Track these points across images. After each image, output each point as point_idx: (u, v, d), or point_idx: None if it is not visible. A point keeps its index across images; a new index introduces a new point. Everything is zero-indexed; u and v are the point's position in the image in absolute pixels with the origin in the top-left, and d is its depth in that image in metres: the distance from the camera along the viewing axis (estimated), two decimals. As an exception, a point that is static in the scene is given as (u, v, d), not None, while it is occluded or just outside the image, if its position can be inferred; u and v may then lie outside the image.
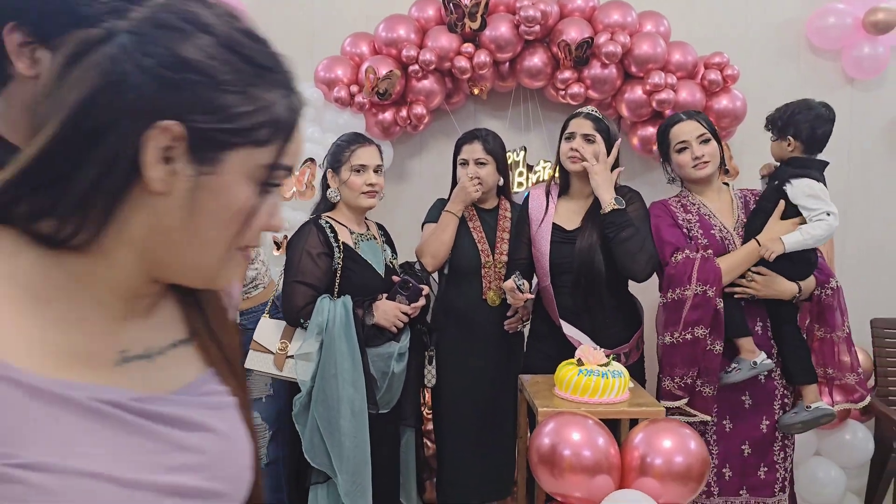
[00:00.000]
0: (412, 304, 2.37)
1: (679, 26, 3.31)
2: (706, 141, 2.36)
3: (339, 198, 2.44)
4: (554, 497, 1.88)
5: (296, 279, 2.34)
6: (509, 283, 2.32)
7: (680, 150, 2.38)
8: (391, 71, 3.07)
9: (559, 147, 2.50)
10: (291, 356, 2.36)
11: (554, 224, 2.48)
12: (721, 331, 2.24)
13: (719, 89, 3.17)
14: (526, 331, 2.70)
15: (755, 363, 2.23)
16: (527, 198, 2.59)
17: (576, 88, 3.17)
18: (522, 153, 3.36)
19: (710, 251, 2.27)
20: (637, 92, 3.15)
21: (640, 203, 2.45)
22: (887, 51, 3.35)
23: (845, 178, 3.42)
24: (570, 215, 2.49)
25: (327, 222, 2.41)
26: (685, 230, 2.36)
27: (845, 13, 3.33)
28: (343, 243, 2.39)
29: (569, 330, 2.37)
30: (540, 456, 1.82)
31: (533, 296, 2.45)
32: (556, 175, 2.59)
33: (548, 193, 2.56)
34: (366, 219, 2.57)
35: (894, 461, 2.82)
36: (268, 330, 2.40)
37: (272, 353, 2.38)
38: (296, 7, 3.43)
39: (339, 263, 2.36)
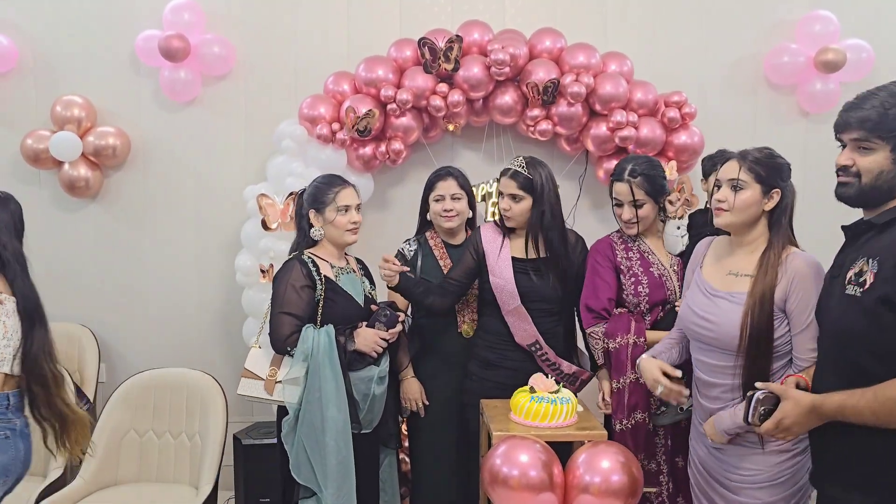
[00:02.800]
0: (390, 331, 2.58)
1: (642, 64, 3.52)
2: (639, 205, 2.54)
3: (322, 236, 2.65)
4: (505, 513, 2.08)
5: (282, 310, 2.53)
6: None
7: (616, 205, 2.61)
8: (370, 110, 3.28)
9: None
10: (280, 381, 2.56)
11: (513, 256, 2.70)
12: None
13: (678, 126, 3.38)
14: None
15: (681, 409, 2.44)
16: (478, 230, 2.80)
17: (544, 125, 3.38)
18: (496, 184, 3.55)
19: (636, 335, 2.51)
20: (602, 128, 3.36)
21: (584, 255, 2.72)
22: (838, 87, 3.56)
23: (800, 207, 3.61)
24: (518, 249, 2.72)
25: (310, 258, 2.61)
26: (626, 268, 2.58)
27: (798, 52, 3.54)
28: (325, 276, 2.59)
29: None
30: (492, 476, 2.02)
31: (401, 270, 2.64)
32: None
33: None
34: (346, 254, 2.77)
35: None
36: (257, 359, 2.61)
37: (262, 379, 2.58)
38: (281, 45, 3.64)
39: (321, 295, 2.56)
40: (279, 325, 2.52)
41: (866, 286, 1.64)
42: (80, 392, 3.37)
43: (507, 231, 2.75)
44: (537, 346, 2.64)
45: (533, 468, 1.98)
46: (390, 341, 2.60)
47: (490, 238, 2.74)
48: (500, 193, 2.70)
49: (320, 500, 2.49)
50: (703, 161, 2.96)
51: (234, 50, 3.59)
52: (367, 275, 2.82)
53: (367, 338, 2.54)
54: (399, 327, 2.62)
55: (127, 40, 3.58)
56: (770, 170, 2.09)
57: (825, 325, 1.83)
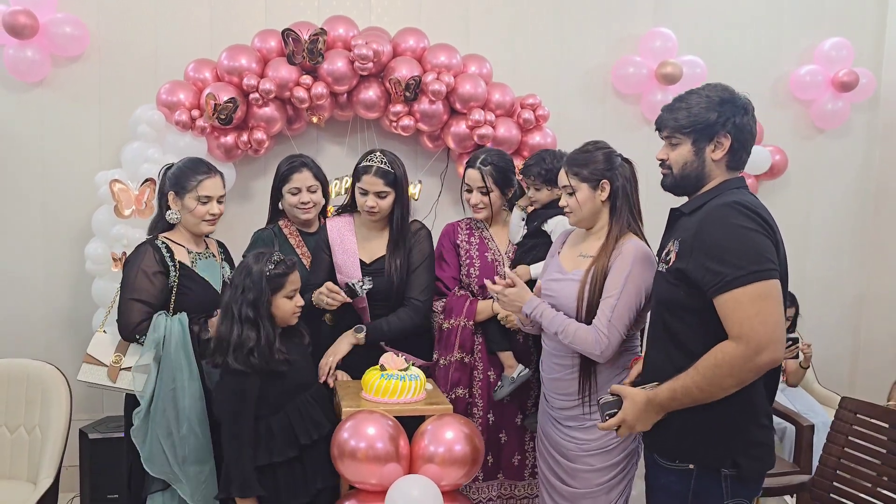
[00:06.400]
0: None
1: (501, 68, 3.70)
2: (485, 192, 2.70)
3: (179, 220, 2.58)
4: (354, 485, 2.13)
5: (132, 297, 2.45)
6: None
7: (467, 190, 2.76)
8: (231, 98, 3.25)
9: (353, 184, 2.72)
10: (126, 368, 2.48)
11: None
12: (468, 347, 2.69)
13: (533, 127, 3.57)
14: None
15: (514, 378, 2.63)
16: (323, 227, 2.83)
17: (406, 121, 3.48)
18: (360, 178, 3.61)
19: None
20: (461, 126, 3.50)
21: (426, 242, 2.78)
22: (676, 99, 3.89)
23: (644, 208, 3.91)
24: (367, 246, 2.77)
25: (164, 242, 2.53)
26: (464, 250, 2.75)
27: (641, 65, 3.84)
28: (179, 262, 2.52)
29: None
30: (340, 450, 2.07)
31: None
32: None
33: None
34: (206, 237, 2.70)
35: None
36: (102, 343, 2.52)
37: (105, 365, 2.49)
38: (140, 30, 3.54)
39: (175, 282, 2.50)
40: (128, 312, 2.45)
41: (670, 263, 1.87)
42: None
43: (355, 224, 2.78)
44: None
45: (380, 440, 2.05)
46: None
47: (337, 236, 2.76)
48: (362, 191, 2.66)
49: (175, 492, 2.43)
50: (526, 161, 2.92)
51: (87, 31, 3.46)
52: (228, 259, 2.77)
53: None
54: None
55: (-33, 14, 3.37)
56: (589, 166, 2.26)
57: (653, 299, 2.05)
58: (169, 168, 2.63)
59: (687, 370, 1.77)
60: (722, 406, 1.78)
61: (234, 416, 2.24)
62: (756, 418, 1.83)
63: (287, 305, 2.34)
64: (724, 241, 1.73)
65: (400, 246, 2.70)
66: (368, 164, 2.65)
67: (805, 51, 4.10)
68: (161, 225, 2.62)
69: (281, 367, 2.28)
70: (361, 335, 2.62)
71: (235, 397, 2.25)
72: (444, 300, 2.72)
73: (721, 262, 1.72)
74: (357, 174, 2.69)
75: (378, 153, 2.69)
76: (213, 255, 2.68)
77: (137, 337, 2.46)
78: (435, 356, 2.73)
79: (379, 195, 2.65)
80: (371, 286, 2.59)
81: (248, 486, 2.22)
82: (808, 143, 4.17)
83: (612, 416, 1.86)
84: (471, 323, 2.66)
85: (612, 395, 1.88)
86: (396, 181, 2.66)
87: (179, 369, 2.41)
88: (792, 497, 2.98)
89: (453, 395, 2.65)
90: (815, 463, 3.05)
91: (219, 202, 2.58)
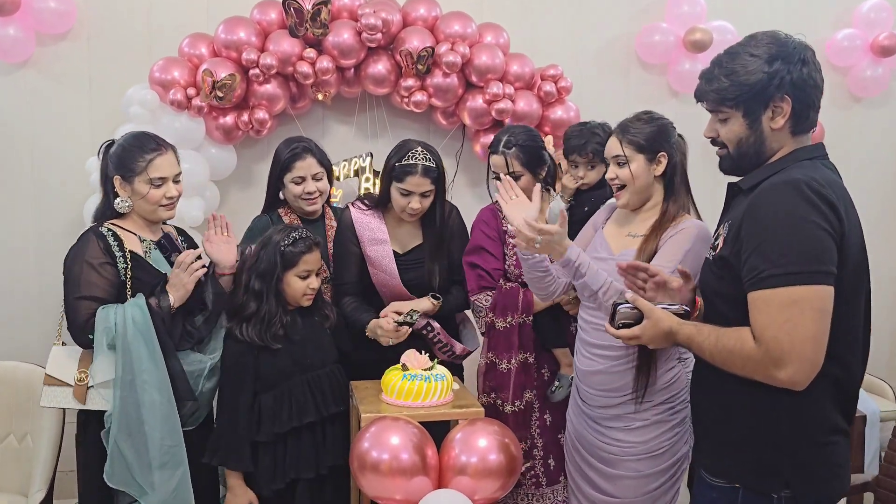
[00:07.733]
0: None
1: (518, 39, 3.45)
2: (516, 177, 2.41)
3: (129, 209, 2.23)
4: (377, 501, 1.92)
5: (77, 295, 2.12)
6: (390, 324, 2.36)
7: (495, 178, 2.47)
8: (230, 74, 3.01)
9: (388, 182, 2.48)
10: (93, 387, 2.13)
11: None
12: (530, 345, 2.44)
13: (554, 100, 3.33)
14: None
15: (572, 378, 2.37)
16: (347, 216, 2.58)
17: (419, 96, 3.24)
18: (369, 159, 3.37)
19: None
20: (478, 101, 3.26)
21: (461, 224, 2.62)
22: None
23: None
24: (398, 236, 2.56)
25: (110, 230, 2.20)
26: (508, 236, 2.49)
27: (668, 32, 3.59)
28: (130, 251, 2.19)
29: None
30: (360, 462, 1.86)
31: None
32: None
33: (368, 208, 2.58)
34: (164, 223, 2.37)
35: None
36: (61, 359, 2.17)
37: (69, 385, 2.13)
38: (131, 3, 3.30)
39: (126, 275, 2.17)
40: (76, 312, 2.11)
41: (717, 250, 1.63)
42: None
43: (383, 215, 2.56)
44: (429, 328, 2.49)
45: (404, 451, 1.84)
46: (206, 267, 2.20)
47: (365, 224, 2.54)
48: (404, 192, 2.43)
49: None
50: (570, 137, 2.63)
51: (74, 5, 3.22)
52: (192, 247, 2.42)
53: (177, 275, 2.14)
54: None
55: (-58, -11, 3.12)
56: (649, 136, 2.07)
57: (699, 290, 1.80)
58: (110, 146, 2.27)
59: (712, 328, 1.58)
60: (774, 423, 1.54)
61: (230, 384, 2.22)
62: (815, 436, 1.54)
63: (298, 285, 2.26)
64: (771, 228, 1.46)
65: (444, 243, 2.53)
66: (412, 162, 2.41)
67: (842, 13, 3.85)
68: (109, 214, 2.25)
69: (274, 344, 2.22)
70: (438, 303, 2.48)
71: (233, 365, 2.23)
72: (489, 295, 2.46)
73: (761, 253, 1.45)
74: (396, 174, 2.43)
75: (419, 148, 2.44)
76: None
77: (90, 336, 2.10)
78: (485, 360, 2.47)
79: (424, 195, 2.44)
80: (418, 316, 2.39)
81: (235, 458, 2.18)
82: (845, 112, 3.93)
83: (626, 326, 1.69)
84: (530, 319, 2.41)
85: (631, 306, 1.70)
86: (440, 176, 2.47)
87: (139, 359, 2.07)
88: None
89: (522, 403, 2.40)
90: (866, 457, 2.86)
91: (175, 182, 2.24)
